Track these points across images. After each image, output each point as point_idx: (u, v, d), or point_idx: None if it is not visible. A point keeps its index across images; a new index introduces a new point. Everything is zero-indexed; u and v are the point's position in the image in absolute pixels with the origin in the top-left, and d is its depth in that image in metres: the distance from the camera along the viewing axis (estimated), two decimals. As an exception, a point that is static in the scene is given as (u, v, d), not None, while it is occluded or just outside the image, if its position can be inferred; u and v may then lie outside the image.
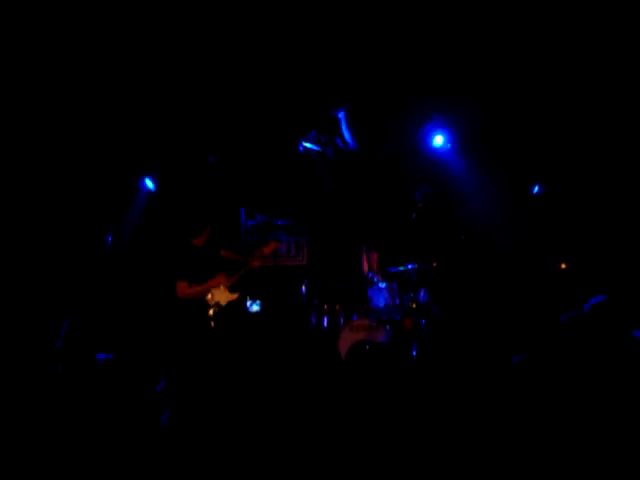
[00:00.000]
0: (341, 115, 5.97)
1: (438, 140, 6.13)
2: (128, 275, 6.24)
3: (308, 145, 6.13)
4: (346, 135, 5.95)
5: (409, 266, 5.94)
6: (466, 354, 5.20)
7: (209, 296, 4.41)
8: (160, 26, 4.81)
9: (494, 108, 5.82)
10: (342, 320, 5.96)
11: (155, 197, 6.43)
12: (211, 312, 4.39)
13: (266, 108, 5.84)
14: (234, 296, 4.53)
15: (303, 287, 6.12)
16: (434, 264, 6.00)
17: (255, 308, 5.77)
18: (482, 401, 4.05)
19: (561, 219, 6.30)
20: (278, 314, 6.40)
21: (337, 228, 6.72)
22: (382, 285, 5.98)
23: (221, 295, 4.47)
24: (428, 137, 6.12)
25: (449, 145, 6.12)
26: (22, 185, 5.79)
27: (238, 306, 4.72)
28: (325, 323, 5.98)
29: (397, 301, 5.96)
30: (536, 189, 6.23)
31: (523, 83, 5.56)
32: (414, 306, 5.93)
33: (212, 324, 4.37)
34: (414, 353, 5.53)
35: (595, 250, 6.13)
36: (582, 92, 5.46)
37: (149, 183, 6.38)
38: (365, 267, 6.07)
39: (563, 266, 6.24)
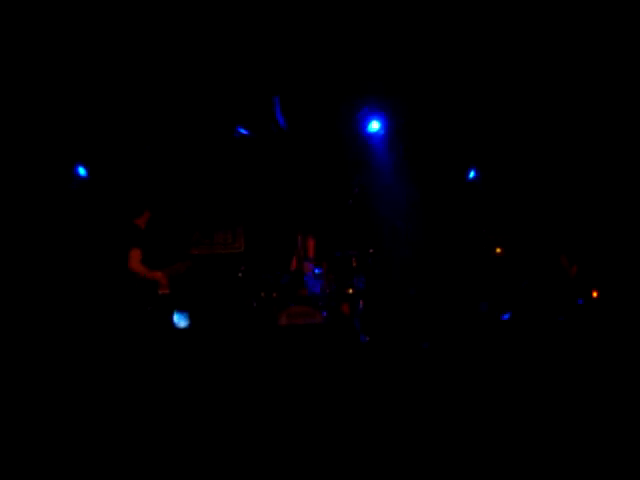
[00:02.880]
0: (276, 100, 5.89)
1: (374, 126, 6.12)
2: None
3: (243, 131, 6.04)
4: (280, 120, 5.87)
5: (346, 253, 5.95)
6: (392, 336, 5.25)
7: None
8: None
9: (427, 97, 5.84)
10: (279, 307, 5.93)
11: (91, 183, 6.29)
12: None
13: (201, 93, 5.73)
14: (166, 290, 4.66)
15: (240, 274, 6.05)
16: (371, 250, 6.02)
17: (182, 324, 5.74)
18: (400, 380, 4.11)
19: (497, 204, 6.39)
20: (213, 302, 6.32)
21: (275, 215, 6.66)
22: (318, 272, 5.96)
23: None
24: (364, 123, 6.10)
25: (384, 131, 6.11)
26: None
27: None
28: (262, 310, 5.94)
29: (334, 287, 5.96)
30: (472, 175, 6.29)
31: (457, 70, 5.59)
32: (351, 291, 5.96)
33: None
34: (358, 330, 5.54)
35: (531, 234, 6.24)
36: (511, 77, 5.51)
37: (82, 170, 6.26)
38: (301, 254, 6.03)
39: (498, 250, 6.34)
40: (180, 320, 5.48)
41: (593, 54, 5.06)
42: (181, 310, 5.49)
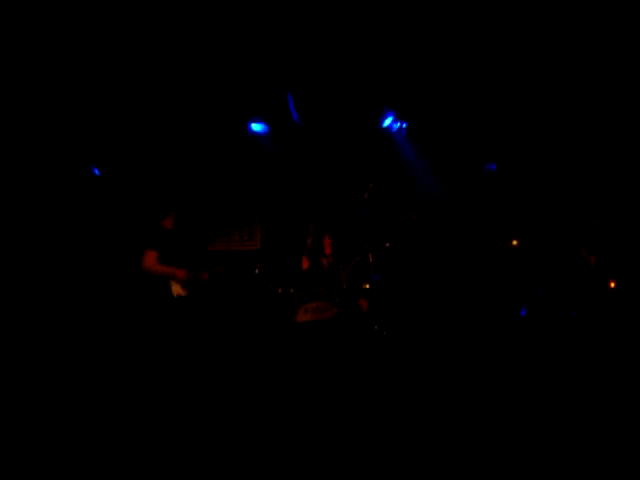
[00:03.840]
0: (290, 95, 5.87)
1: (390, 120, 6.09)
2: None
3: (257, 126, 6.03)
4: (295, 116, 5.86)
5: (363, 247, 5.94)
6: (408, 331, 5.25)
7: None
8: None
9: (444, 89, 5.79)
10: (296, 303, 5.94)
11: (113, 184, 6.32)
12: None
13: (214, 88, 5.73)
14: (184, 292, 4.65)
15: (256, 271, 6.06)
16: (387, 244, 6.00)
17: None
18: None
19: (514, 196, 6.35)
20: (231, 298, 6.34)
21: (290, 212, 6.66)
22: (336, 267, 5.97)
23: (175, 287, 4.61)
24: (378, 117, 6.08)
25: (400, 124, 6.08)
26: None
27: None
28: (279, 306, 5.95)
29: (351, 283, 5.96)
30: (488, 167, 6.25)
31: (475, 61, 5.54)
32: (367, 287, 5.95)
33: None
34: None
35: (547, 227, 6.20)
36: (528, 70, 5.47)
37: (95, 170, 6.28)
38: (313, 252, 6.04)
39: (514, 243, 6.30)
40: None
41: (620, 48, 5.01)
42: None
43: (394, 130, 6.17)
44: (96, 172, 6.28)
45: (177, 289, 4.59)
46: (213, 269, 4.93)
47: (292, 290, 6.02)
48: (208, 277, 4.83)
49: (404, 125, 6.15)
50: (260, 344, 5.61)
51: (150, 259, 4.43)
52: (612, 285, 5.71)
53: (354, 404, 3.71)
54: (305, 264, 5.97)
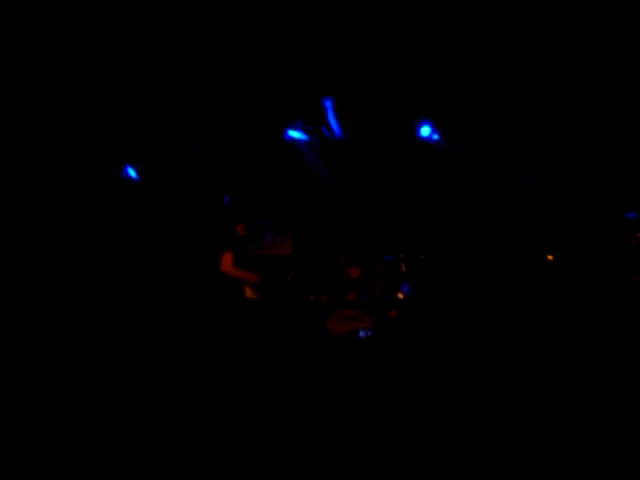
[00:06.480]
0: (328, 104, 5.90)
1: (425, 130, 6.09)
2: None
3: (294, 134, 6.06)
4: (333, 124, 5.88)
5: (396, 257, 5.92)
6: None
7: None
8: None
9: (483, 100, 5.79)
10: (328, 311, 5.92)
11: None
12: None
13: (252, 96, 5.77)
14: (255, 296, 5.03)
15: (288, 277, 6.06)
16: (421, 256, 5.98)
17: None
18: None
19: (551, 210, 6.29)
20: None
21: (324, 218, 6.65)
22: (368, 275, 5.96)
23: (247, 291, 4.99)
24: (416, 127, 6.08)
25: (437, 135, 6.08)
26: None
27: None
28: (311, 313, 5.93)
29: (384, 292, 5.93)
30: (527, 179, 6.20)
31: (512, 72, 5.54)
32: (400, 296, 5.92)
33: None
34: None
35: (582, 242, 6.12)
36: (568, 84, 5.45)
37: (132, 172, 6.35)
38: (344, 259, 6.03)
39: (550, 257, 6.23)
40: None
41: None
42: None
43: (430, 139, 6.16)
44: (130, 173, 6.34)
45: (250, 293, 4.95)
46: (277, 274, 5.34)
47: (324, 298, 6.02)
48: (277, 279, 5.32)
49: (439, 135, 6.15)
50: (290, 350, 5.58)
51: (227, 261, 4.77)
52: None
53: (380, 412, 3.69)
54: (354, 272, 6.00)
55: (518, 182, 6.25)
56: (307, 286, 6.04)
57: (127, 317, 5.61)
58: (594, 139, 5.85)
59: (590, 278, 5.75)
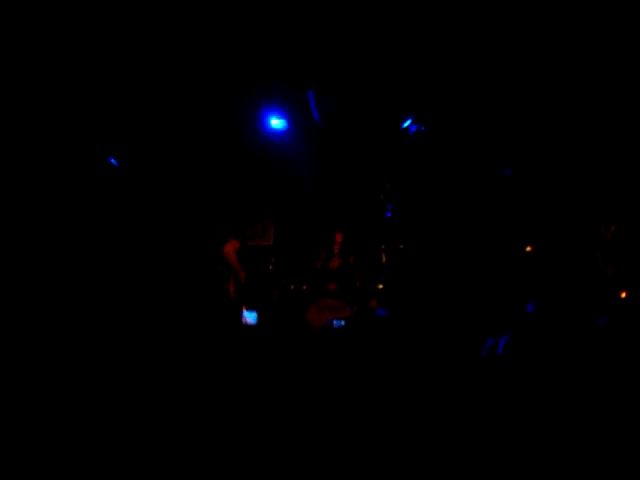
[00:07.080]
0: (310, 94, 5.89)
1: (406, 122, 6.10)
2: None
3: (276, 123, 6.05)
4: (315, 114, 5.88)
5: (377, 248, 5.97)
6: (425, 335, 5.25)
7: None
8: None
9: (461, 92, 5.81)
10: (309, 300, 5.97)
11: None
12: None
13: (235, 86, 5.76)
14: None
15: (270, 267, 6.10)
16: (400, 246, 6.03)
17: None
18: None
19: (530, 201, 6.34)
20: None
21: (304, 209, 6.68)
22: (350, 266, 6.00)
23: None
24: (398, 119, 6.09)
25: (416, 127, 6.09)
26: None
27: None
28: (292, 302, 5.99)
29: (364, 282, 5.99)
30: (507, 171, 6.24)
31: (492, 64, 5.55)
32: (380, 287, 5.98)
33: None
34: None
35: (565, 232, 6.19)
36: (547, 73, 5.47)
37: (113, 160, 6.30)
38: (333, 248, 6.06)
39: (528, 249, 6.30)
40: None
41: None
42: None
43: (411, 132, 6.17)
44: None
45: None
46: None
47: (305, 287, 6.06)
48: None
49: (422, 128, 6.16)
50: (272, 340, 5.62)
51: (232, 247, 5.07)
52: (623, 295, 5.70)
53: (365, 405, 3.72)
54: (320, 264, 6.01)
55: (498, 174, 6.29)
56: (288, 276, 6.09)
57: (118, 310, 5.61)
58: (572, 132, 5.90)
59: (566, 270, 5.83)
